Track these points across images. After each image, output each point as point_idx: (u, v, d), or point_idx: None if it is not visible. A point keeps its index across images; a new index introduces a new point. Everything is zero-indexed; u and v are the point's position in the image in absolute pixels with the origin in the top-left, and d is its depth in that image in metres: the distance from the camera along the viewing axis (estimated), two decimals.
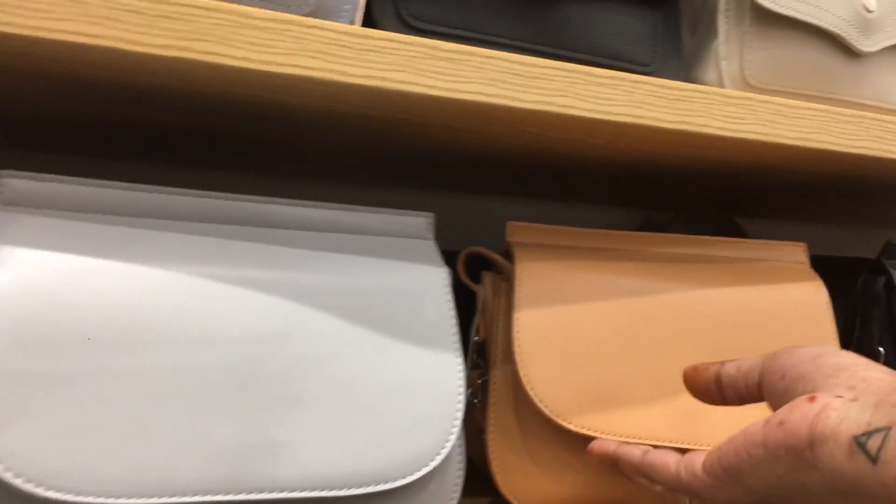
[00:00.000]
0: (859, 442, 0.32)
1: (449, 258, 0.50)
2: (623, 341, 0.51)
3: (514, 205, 0.87)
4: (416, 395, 0.44)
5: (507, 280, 0.54)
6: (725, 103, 0.52)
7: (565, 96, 0.47)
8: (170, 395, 0.37)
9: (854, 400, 0.34)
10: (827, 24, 0.57)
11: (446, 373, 0.45)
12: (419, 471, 0.42)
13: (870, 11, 0.59)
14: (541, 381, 0.49)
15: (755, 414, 0.49)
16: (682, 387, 0.47)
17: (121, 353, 0.36)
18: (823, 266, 0.80)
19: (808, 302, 0.57)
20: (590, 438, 0.49)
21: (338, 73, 0.41)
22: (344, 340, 0.43)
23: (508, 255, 0.55)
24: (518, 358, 0.49)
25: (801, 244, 0.61)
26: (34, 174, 0.38)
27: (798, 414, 0.35)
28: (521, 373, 0.49)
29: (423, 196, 0.81)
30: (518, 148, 0.58)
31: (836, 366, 0.37)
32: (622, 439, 0.48)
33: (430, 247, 0.49)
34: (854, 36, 0.58)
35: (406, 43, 0.43)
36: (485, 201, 0.85)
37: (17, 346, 0.34)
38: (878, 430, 0.32)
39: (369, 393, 0.42)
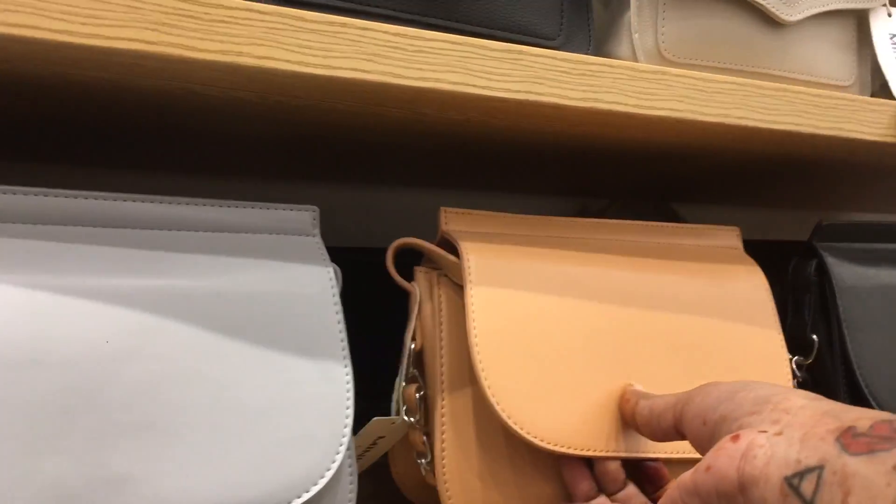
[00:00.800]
0: (791, 484, 0.30)
1: (338, 253, 0.45)
2: (580, 341, 0.46)
3: (432, 196, 0.82)
4: (297, 411, 0.39)
5: (445, 275, 0.48)
6: (636, 78, 0.48)
7: (456, 72, 0.42)
8: None
9: (779, 434, 0.33)
10: None
11: (331, 384, 0.40)
12: (301, 496, 0.37)
13: None
14: (512, 398, 0.43)
15: None
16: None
17: None
18: (755, 250, 0.77)
19: (749, 286, 0.53)
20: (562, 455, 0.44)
21: (184, 47, 0.36)
22: (210, 353, 0.37)
23: (446, 246, 0.48)
24: (482, 371, 0.43)
25: (735, 228, 0.58)
26: None
27: (724, 456, 0.33)
28: (489, 390, 0.43)
29: (317, 188, 0.75)
30: (421, 132, 0.53)
31: (756, 399, 0.36)
32: (601, 454, 0.44)
33: (314, 243, 0.44)
34: (776, 4, 0.54)
35: (264, 13, 0.38)
36: (399, 193, 0.80)
37: None
38: (809, 470, 0.30)
39: (240, 412, 0.37)
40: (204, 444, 0.35)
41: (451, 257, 0.47)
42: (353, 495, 0.41)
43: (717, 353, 0.49)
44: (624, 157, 0.65)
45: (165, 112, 0.47)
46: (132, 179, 0.67)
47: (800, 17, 0.56)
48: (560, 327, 0.46)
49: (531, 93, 0.45)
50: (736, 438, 0.34)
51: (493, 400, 0.43)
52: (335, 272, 0.43)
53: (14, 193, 0.36)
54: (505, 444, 0.45)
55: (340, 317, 0.42)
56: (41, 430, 0.32)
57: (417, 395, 0.46)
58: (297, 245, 0.43)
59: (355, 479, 0.41)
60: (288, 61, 0.38)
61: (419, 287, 0.48)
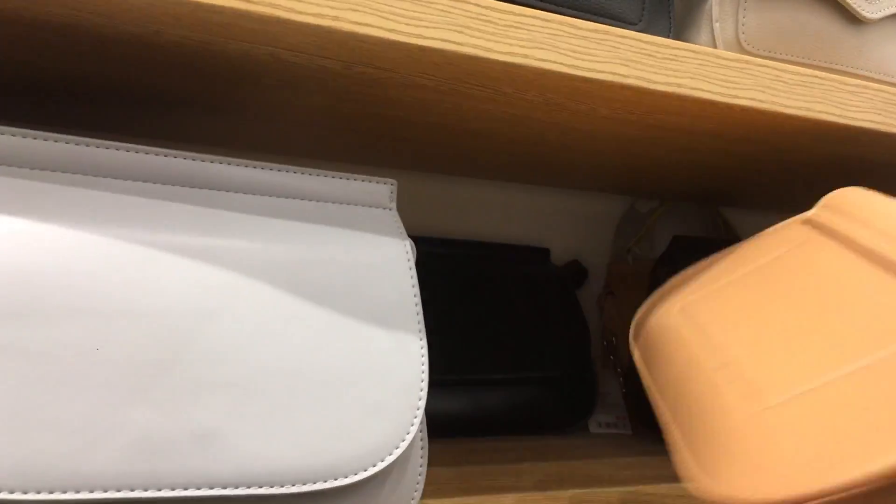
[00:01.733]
0: None
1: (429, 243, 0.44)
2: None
3: (485, 187, 0.82)
4: (372, 381, 0.38)
5: None
6: (720, 65, 0.47)
7: (543, 48, 0.42)
8: (79, 374, 0.31)
9: None
10: None
11: (407, 357, 0.40)
12: (373, 466, 0.37)
13: None
14: None
15: None
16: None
17: (20, 325, 0.31)
18: None
19: None
20: None
21: (282, 8, 0.36)
22: (290, 317, 0.37)
23: None
24: None
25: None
26: None
27: None
28: None
29: (382, 174, 0.75)
30: (493, 115, 0.53)
31: None
32: None
33: (391, 217, 0.43)
34: (857, 1, 0.53)
35: None
36: (449, 181, 0.80)
37: None
38: None
39: (318, 377, 0.37)
40: (284, 406, 0.35)
41: None
42: (424, 469, 0.40)
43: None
44: (684, 154, 0.64)
45: (248, 82, 0.46)
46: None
47: (881, 14, 0.55)
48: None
49: (616, 74, 0.44)
50: None
51: None
52: (410, 246, 0.43)
53: (115, 149, 0.36)
54: None
55: (416, 290, 0.42)
56: (132, 380, 0.32)
57: None
58: (375, 216, 0.43)
59: (426, 452, 0.40)
60: (381, 28, 0.38)
61: None
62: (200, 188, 0.39)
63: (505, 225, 0.84)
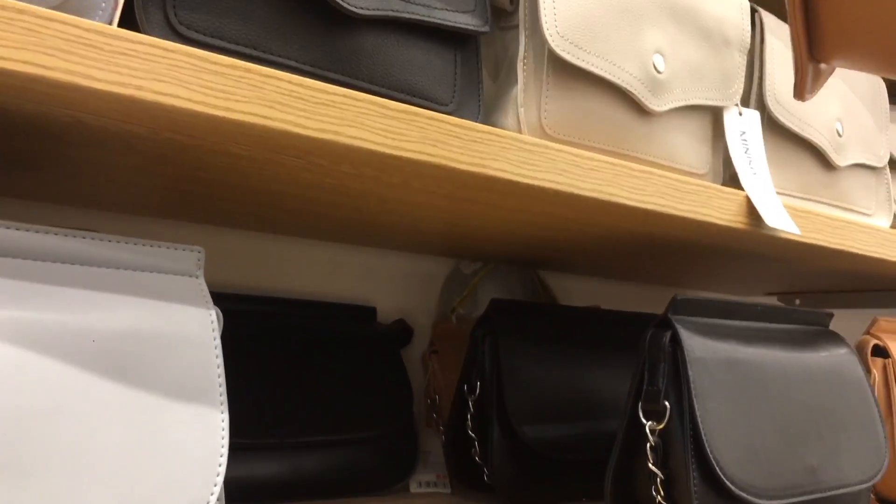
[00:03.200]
0: None
1: (221, 298, 0.44)
2: None
3: (313, 247, 0.82)
4: (168, 454, 0.37)
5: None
6: (522, 149, 0.51)
7: (354, 127, 0.44)
8: None
9: None
10: (619, 80, 0.58)
11: (206, 431, 0.39)
12: None
13: (659, 72, 0.61)
14: None
15: None
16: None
17: None
18: (616, 320, 0.82)
19: None
20: None
21: (80, 75, 0.35)
22: (79, 393, 0.36)
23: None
24: None
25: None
26: None
27: None
28: None
29: (201, 230, 0.74)
30: (309, 183, 0.54)
31: None
32: None
33: (197, 285, 0.43)
34: (644, 94, 0.60)
35: (169, 50, 0.38)
36: (282, 241, 0.80)
37: None
38: None
39: (108, 455, 0.35)
40: (70, 487, 0.34)
41: None
42: None
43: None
44: (498, 222, 0.68)
45: (51, 139, 0.45)
46: (14, 210, 0.63)
47: (666, 108, 0.61)
48: None
49: (423, 153, 0.46)
50: None
51: None
52: (217, 315, 0.42)
53: None
54: None
55: (220, 360, 0.41)
56: None
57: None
58: (182, 285, 0.42)
59: None
60: (187, 99, 0.38)
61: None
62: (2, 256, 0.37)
63: (332, 284, 0.84)
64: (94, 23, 0.36)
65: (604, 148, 0.58)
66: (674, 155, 0.63)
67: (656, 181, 0.58)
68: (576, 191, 0.53)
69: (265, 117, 0.41)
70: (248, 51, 0.43)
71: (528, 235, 0.74)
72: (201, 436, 0.39)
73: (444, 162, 0.47)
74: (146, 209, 0.67)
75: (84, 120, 0.41)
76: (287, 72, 0.42)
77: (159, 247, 0.42)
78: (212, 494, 0.38)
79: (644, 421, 0.60)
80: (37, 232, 0.38)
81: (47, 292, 0.37)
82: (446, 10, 0.52)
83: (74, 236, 0.39)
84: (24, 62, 0.34)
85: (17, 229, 0.37)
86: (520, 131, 0.55)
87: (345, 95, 0.43)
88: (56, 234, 0.38)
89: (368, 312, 0.83)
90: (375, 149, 0.45)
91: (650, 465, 0.59)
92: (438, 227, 0.72)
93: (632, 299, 1.09)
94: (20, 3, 0.34)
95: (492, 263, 0.96)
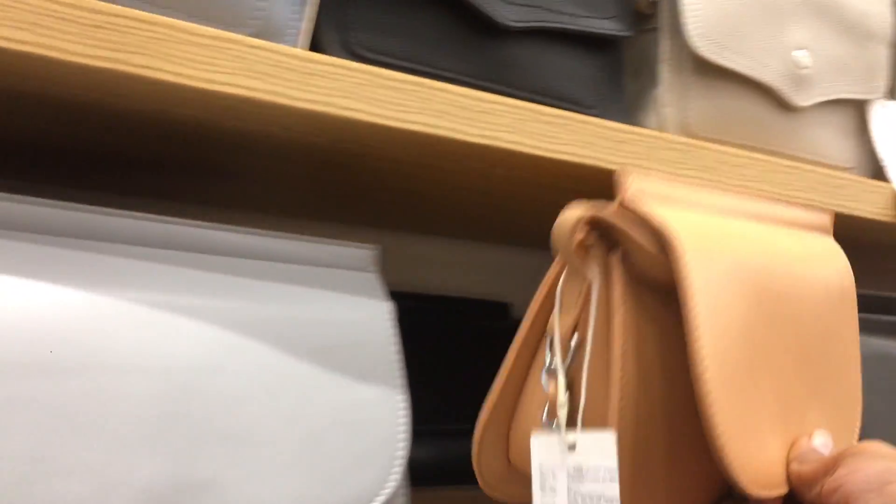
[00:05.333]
0: None
1: (393, 297, 0.48)
2: (788, 364, 0.41)
3: (442, 244, 0.86)
4: (357, 434, 0.42)
5: (624, 257, 0.38)
6: (667, 147, 0.53)
7: (512, 132, 0.47)
8: (92, 426, 0.34)
9: None
10: (763, 77, 0.58)
11: (388, 411, 0.43)
12: None
13: (803, 68, 0.61)
14: (737, 440, 0.37)
15: None
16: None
17: (38, 379, 0.33)
18: None
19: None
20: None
21: (281, 95, 0.40)
22: (281, 374, 0.40)
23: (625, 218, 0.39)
24: (711, 406, 0.36)
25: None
26: None
27: None
28: (718, 429, 0.36)
29: (365, 233, 0.79)
30: (461, 185, 0.57)
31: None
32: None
33: (374, 280, 0.47)
34: (789, 90, 0.60)
35: (352, 69, 0.42)
36: (428, 241, 0.84)
37: None
38: None
39: (306, 431, 0.40)
40: (276, 457, 0.38)
41: (642, 242, 0.38)
42: None
43: (831, 357, 0.44)
44: None
45: (243, 151, 0.50)
46: (210, 215, 0.70)
47: (809, 102, 0.61)
48: (771, 344, 0.40)
49: (576, 155, 0.49)
50: None
51: (720, 441, 0.36)
52: (391, 307, 0.46)
53: (123, 217, 0.39)
54: (683, 461, 0.39)
55: (397, 347, 0.45)
56: (141, 432, 0.35)
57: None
58: (359, 280, 0.46)
59: (409, 501, 0.44)
60: (368, 113, 0.42)
61: (593, 270, 0.39)
62: (199, 253, 0.42)
63: (467, 280, 0.88)
64: (292, 48, 0.40)
65: (748, 145, 0.59)
66: (819, 150, 0.63)
67: (806, 176, 0.58)
68: (724, 188, 0.54)
69: (433, 126, 0.44)
70: (415, 66, 0.47)
71: None
72: (385, 415, 0.43)
73: (593, 163, 0.50)
74: (311, 212, 0.72)
75: (276, 133, 0.45)
76: (449, 83, 0.46)
77: (340, 246, 0.47)
78: (396, 467, 0.42)
79: None
80: (245, 234, 0.43)
81: (254, 286, 0.42)
82: (591, 17, 0.54)
83: (274, 236, 0.44)
84: (237, 86, 0.39)
85: (228, 231, 0.43)
86: (662, 130, 0.57)
87: (503, 103, 0.47)
88: (258, 235, 0.43)
89: (502, 308, 0.85)
90: (531, 152, 0.47)
91: None
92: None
93: None
94: (231, 34, 0.39)
95: None
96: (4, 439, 0.31)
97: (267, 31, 0.42)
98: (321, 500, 0.38)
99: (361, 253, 0.47)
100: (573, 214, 0.38)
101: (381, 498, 0.40)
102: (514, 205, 0.64)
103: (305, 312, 0.43)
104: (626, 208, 0.39)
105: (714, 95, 0.58)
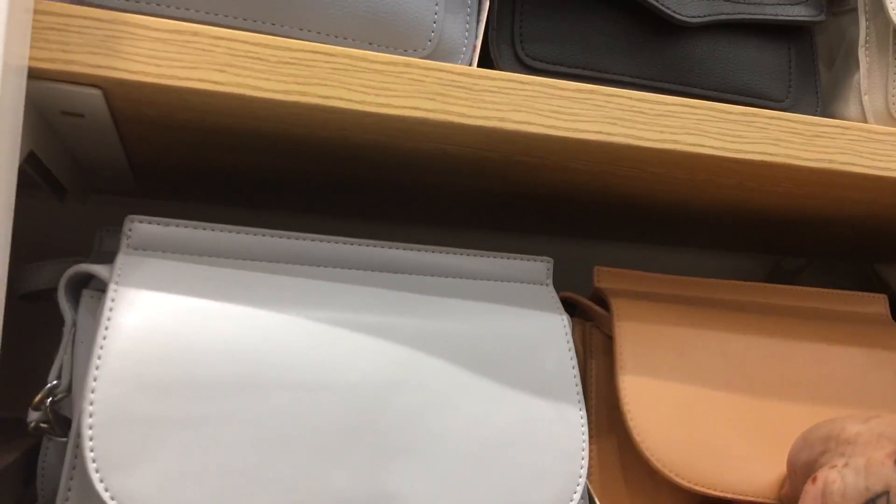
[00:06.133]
0: None
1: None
2: (727, 397, 0.50)
3: (632, 251, 0.84)
4: (537, 448, 0.41)
5: (596, 327, 0.52)
6: (871, 139, 0.48)
7: (692, 134, 0.45)
8: (287, 441, 0.36)
9: (846, 466, 0.36)
10: None
11: (568, 426, 0.43)
12: None
13: None
14: (658, 444, 0.47)
15: None
16: (788, 443, 0.47)
17: (240, 397, 0.36)
18: None
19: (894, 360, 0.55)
20: (712, 498, 0.47)
21: (453, 114, 0.40)
22: (462, 388, 0.41)
23: (599, 302, 0.53)
24: (632, 424, 0.47)
25: (882, 295, 0.60)
26: (161, 219, 0.39)
27: (809, 500, 0.37)
28: (638, 439, 0.46)
29: (534, 241, 0.79)
30: (640, 190, 0.56)
31: (822, 438, 0.40)
32: (741, 497, 0.47)
33: (549, 293, 0.47)
34: None
35: (524, 83, 0.42)
36: (600, 247, 0.82)
37: (140, 389, 0.34)
38: (878, 496, 0.33)
39: (488, 444, 0.40)
40: (459, 471, 0.39)
41: (603, 311, 0.52)
42: None
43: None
44: (833, 217, 0.64)
45: (419, 170, 0.52)
46: (386, 230, 0.74)
47: None
48: (706, 384, 0.49)
49: (764, 154, 0.46)
50: (814, 480, 0.37)
51: (642, 446, 0.46)
52: (567, 320, 0.46)
53: (311, 240, 0.42)
54: (649, 487, 0.49)
55: (574, 361, 0.44)
56: (330, 445, 0.36)
57: None
58: (535, 293, 0.46)
59: None
60: (542, 125, 0.42)
61: (574, 338, 0.51)
62: (380, 271, 0.43)
63: None
64: (463, 66, 0.41)
65: None
66: None
67: None
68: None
69: (608, 133, 0.43)
70: (587, 73, 0.46)
71: (867, 228, 0.68)
72: (565, 430, 0.42)
73: (785, 160, 0.46)
74: (487, 224, 0.73)
75: (449, 151, 0.46)
76: (625, 88, 0.44)
77: (515, 259, 0.47)
78: (578, 486, 0.41)
79: None
80: (419, 251, 0.44)
81: (432, 302, 0.43)
82: (777, 3, 0.50)
83: (447, 252, 0.45)
84: (413, 108, 0.40)
85: (404, 249, 0.44)
86: (864, 120, 0.52)
87: (682, 104, 0.44)
88: (432, 252, 0.44)
89: None
90: (714, 153, 0.45)
91: None
92: (763, 225, 0.70)
93: None
94: (406, 58, 0.40)
95: (817, 259, 0.90)
96: (208, 453, 0.34)
97: (441, 52, 0.43)
98: None
99: (536, 266, 0.47)
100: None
101: None
102: (693, 207, 0.61)
103: (483, 327, 0.43)
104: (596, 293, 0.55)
105: None
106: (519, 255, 0.47)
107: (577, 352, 0.52)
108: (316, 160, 0.51)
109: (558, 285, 0.58)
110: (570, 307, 0.56)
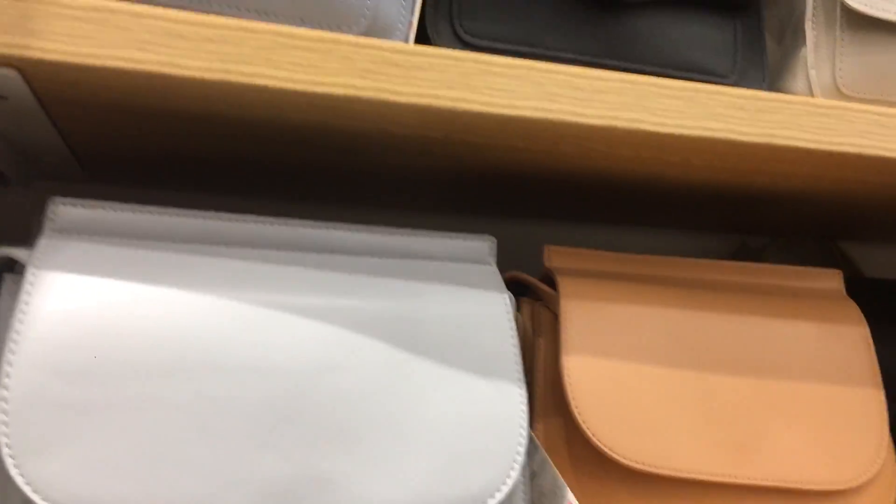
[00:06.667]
0: None
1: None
2: (671, 374, 0.49)
3: (594, 233, 0.83)
4: (476, 428, 0.41)
5: (548, 307, 0.52)
6: (815, 113, 0.48)
7: (632, 110, 0.44)
8: (213, 426, 0.36)
9: None
10: None
11: (508, 404, 0.42)
12: None
13: None
14: (601, 424, 0.47)
15: (808, 449, 0.49)
16: (732, 420, 0.48)
17: (164, 381, 0.35)
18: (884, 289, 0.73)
19: (848, 334, 0.54)
20: (652, 477, 0.47)
21: (385, 91, 0.40)
22: (398, 370, 0.41)
23: (549, 282, 0.53)
24: (574, 403, 0.47)
25: (837, 271, 0.59)
26: (86, 201, 0.39)
27: None
28: (578, 418, 0.47)
29: (479, 222, 0.78)
30: (589, 169, 0.55)
31: None
32: (684, 475, 0.47)
33: (491, 272, 0.46)
34: None
35: (459, 59, 0.41)
36: (561, 228, 0.82)
37: (57, 374, 0.33)
38: None
39: (426, 425, 0.40)
40: (396, 453, 0.38)
41: (551, 291, 0.51)
42: None
43: (813, 406, 0.51)
44: (790, 194, 0.64)
45: (361, 151, 0.51)
46: (334, 212, 0.73)
47: None
48: (651, 362, 0.49)
49: (706, 129, 0.45)
50: None
51: (584, 426, 0.47)
52: (510, 299, 0.45)
53: (239, 221, 0.41)
54: (596, 466, 0.48)
55: (516, 340, 0.44)
56: (259, 430, 0.36)
57: None
58: (477, 272, 0.46)
59: (528, 499, 0.43)
60: (476, 102, 0.41)
61: (524, 318, 0.52)
62: (315, 252, 0.43)
63: None
64: (396, 43, 0.40)
65: None
66: None
67: None
68: (883, 153, 0.48)
69: (546, 110, 0.43)
70: (528, 49, 0.45)
71: (828, 205, 0.68)
72: (504, 409, 0.42)
73: (727, 136, 0.46)
74: (434, 205, 0.72)
75: (391, 130, 0.46)
76: (564, 64, 0.44)
77: (457, 238, 0.46)
78: (515, 463, 0.41)
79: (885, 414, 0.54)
80: (356, 231, 0.44)
81: (369, 283, 0.42)
82: None
83: (385, 232, 0.45)
84: (343, 85, 0.39)
85: (341, 229, 0.43)
86: (811, 94, 0.52)
87: (622, 80, 0.44)
88: (369, 232, 0.44)
89: None
90: (654, 129, 0.44)
91: None
92: (719, 203, 0.69)
93: None
94: (335, 34, 0.39)
95: (780, 237, 0.90)
96: (128, 439, 0.34)
97: (376, 29, 0.42)
98: (440, 495, 0.38)
99: (478, 244, 0.46)
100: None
101: (501, 495, 0.39)
102: (645, 186, 0.61)
103: (422, 307, 0.43)
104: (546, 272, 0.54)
105: (869, 52, 0.52)
106: (460, 235, 0.46)
107: (526, 332, 0.52)
108: (256, 142, 0.50)
109: (515, 266, 0.58)
110: (522, 287, 0.55)
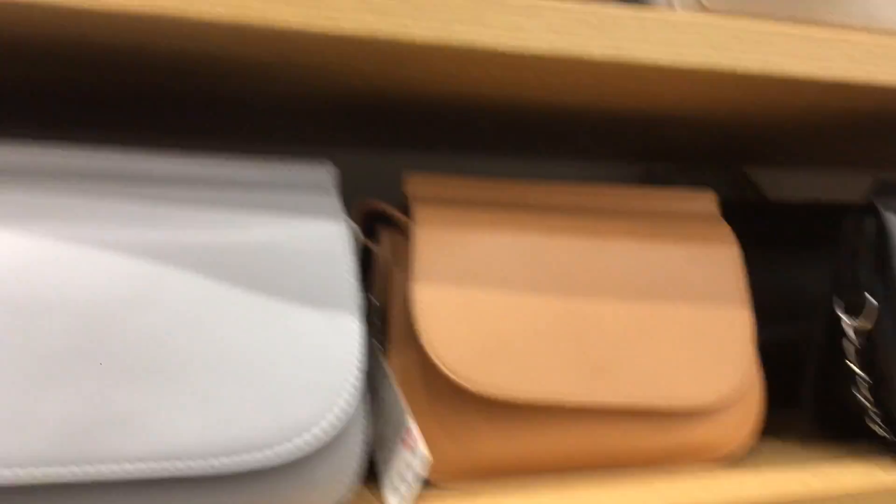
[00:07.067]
0: None
1: None
2: (529, 300, 0.48)
3: (495, 162, 0.82)
4: (303, 361, 0.40)
5: (405, 236, 0.50)
6: (668, 28, 0.46)
7: (468, 25, 0.42)
8: (4, 364, 0.34)
9: None
10: None
11: (339, 335, 0.41)
12: (298, 437, 0.38)
13: None
14: (448, 351, 0.46)
15: (670, 369, 0.49)
16: (591, 343, 0.48)
17: None
18: (813, 211, 0.73)
19: (718, 255, 0.54)
20: (508, 404, 0.47)
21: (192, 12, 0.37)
22: (215, 305, 0.39)
23: (407, 211, 0.51)
24: (423, 332, 0.46)
25: (711, 193, 0.58)
26: None
27: None
28: (427, 347, 0.46)
29: (358, 155, 0.76)
30: (446, 94, 0.53)
31: None
32: (538, 399, 0.46)
33: (329, 201, 0.44)
34: None
35: None
36: (455, 157, 0.80)
37: None
38: None
39: (244, 361, 0.38)
40: (209, 389, 0.37)
41: (408, 219, 0.50)
42: (363, 449, 0.41)
43: (678, 327, 0.51)
44: (681, 119, 0.63)
45: (188, 75, 0.48)
46: (159, 143, 0.70)
47: None
48: (508, 289, 0.48)
49: (552, 46, 0.43)
50: None
51: (432, 354, 0.46)
52: (348, 228, 0.44)
53: (39, 153, 0.39)
54: (454, 398, 0.47)
55: (353, 271, 0.43)
56: (54, 368, 0.34)
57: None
58: (314, 202, 0.44)
59: (367, 436, 0.42)
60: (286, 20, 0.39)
61: (383, 248, 0.51)
62: (128, 183, 0.41)
63: None
64: None
65: (780, 16, 0.51)
66: (875, 13, 0.53)
67: (848, 48, 0.49)
68: (739, 69, 0.47)
69: (377, 29, 0.40)
70: None
71: (719, 128, 0.67)
72: (337, 341, 0.41)
73: (576, 52, 0.44)
74: (284, 135, 0.70)
75: (213, 52, 0.43)
76: None
77: (291, 165, 0.44)
78: (347, 394, 0.40)
79: (845, 320, 0.53)
80: (174, 159, 0.42)
81: (184, 213, 0.40)
82: None
83: (211, 161, 0.42)
84: (150, 4, 0.36)
85: (158, 158, 0.41)
86: (672, 7, 0.50)
87: None
88: (192, 160, 0.42)
89: None
90: (492, 47, 0.42)
91: (853, 366, 0.53)
92: (613, 128, 0.68)
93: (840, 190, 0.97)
94: None
95: (685, 163, 0.90)
96: None
97: None
98: (256, 426, 0.37)
99: (315, 173, 0.44)
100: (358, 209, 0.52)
101: (326, 423, 0.38)
102: (532, 110, 0.59)
103: (246, 238, 0.41)
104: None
105: None
106: (296, 162, 0.44)
107: (387, 262, 0.51)
108: (94, 69, 0.47)
109: (387, 197, 0.56)
110: (384, 218, 0.54)
